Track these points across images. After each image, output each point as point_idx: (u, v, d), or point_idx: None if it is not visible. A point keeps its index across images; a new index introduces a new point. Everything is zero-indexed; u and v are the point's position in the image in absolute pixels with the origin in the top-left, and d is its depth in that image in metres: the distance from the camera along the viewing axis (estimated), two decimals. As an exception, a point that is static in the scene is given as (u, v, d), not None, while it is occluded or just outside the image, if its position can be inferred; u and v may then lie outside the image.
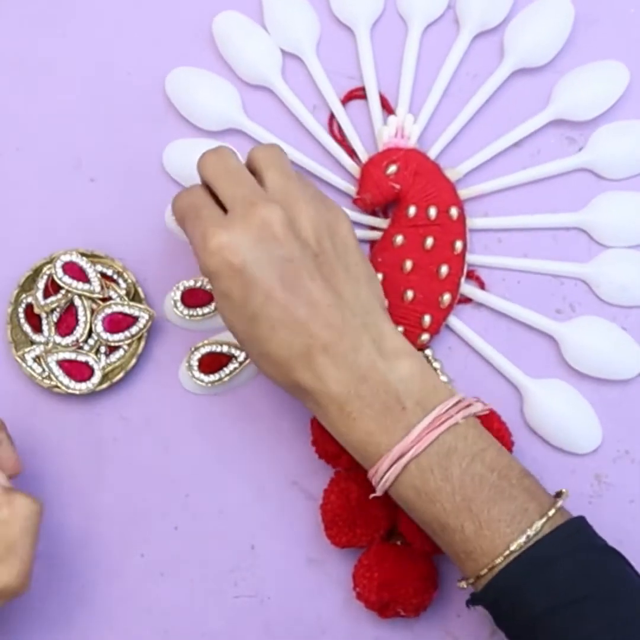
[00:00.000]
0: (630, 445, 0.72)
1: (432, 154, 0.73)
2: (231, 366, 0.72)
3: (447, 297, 0.72)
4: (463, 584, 0.63)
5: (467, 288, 0.73)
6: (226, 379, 0.72)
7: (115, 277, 0.73)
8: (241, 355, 0.72)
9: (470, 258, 0.73)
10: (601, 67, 0.73)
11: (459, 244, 0.72)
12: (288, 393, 0.65)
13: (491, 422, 0.69)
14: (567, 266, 0.73)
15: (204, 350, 0.72)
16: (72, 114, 0.75)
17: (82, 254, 0.72)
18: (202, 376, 0.72)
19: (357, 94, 0.74)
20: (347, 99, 0.75)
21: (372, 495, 0.64)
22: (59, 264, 0.72)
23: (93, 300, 0.72)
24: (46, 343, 0.72)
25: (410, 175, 0.72)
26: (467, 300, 0.73)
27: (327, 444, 0.69)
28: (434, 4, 0.74)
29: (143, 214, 0.73)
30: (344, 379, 0.62)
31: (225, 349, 0.72)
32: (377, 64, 0.74)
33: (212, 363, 0.72)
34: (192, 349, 0.72)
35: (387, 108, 0.74)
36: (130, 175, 0.75)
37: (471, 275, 0.73)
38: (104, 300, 0.72)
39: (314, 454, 0.70)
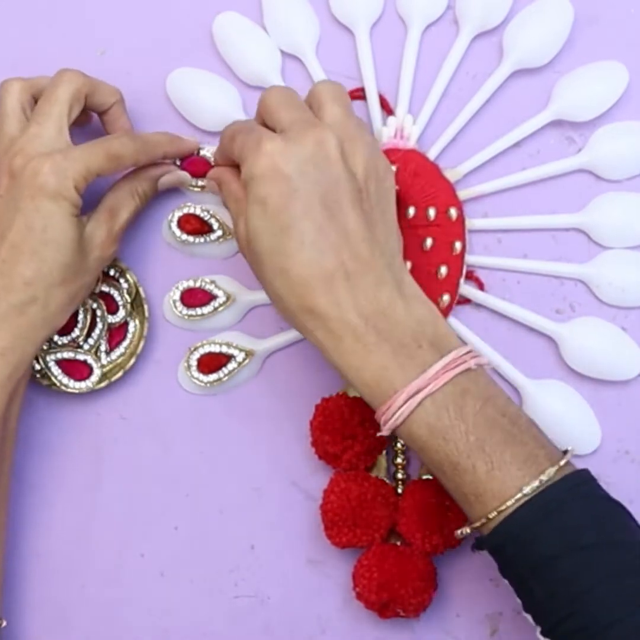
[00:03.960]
0: (630, 445, 0.72)
1: (431, 154, 0.73)
2: (230, 366, 0.72)
3: (446, 298, 0.72)
4: (465, 530, 0.63)
5: (466, 289, 0.73)
6: (225, 379, 0.72)
7: (117, 276, 0.73)
8: (240, 355, 0.72)
9: (470, 259, 0.73)
10: (601, 67, 0.73)
11: (458, 245, 0.72)
12: (292, 322, 0.64)
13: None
14: (566, 267, 0.73)
15: (202, 350, 0.72)
16: (72, 114, 0.75)
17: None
18: (200, 376, 0.72)
19: (357, 95, 0.74)
20: (346, 100, 0.75)
21: (379, 434, 0.63)
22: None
23: (93, 299, 0.72)
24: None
25: (409, 175, 0.72)
26: (466, 300, 0.73)
27: (327, 445, 0.69)
28: (434, 4, 0.74)
29: (144, 215, 0.73)
30: (363, 310, 0.61)
31: (224, 349, 0.72)
32: (377, 65, 0.74)
33: (211, 363, 0.72)
34: (191, 349, 0.72)
35: (387, 108, 0.74)
36: (130, 176, 0.75)
37: (470, 276, 0.73)
38: (103, 298, 0.72)
39: (314, 454, 0.70)
